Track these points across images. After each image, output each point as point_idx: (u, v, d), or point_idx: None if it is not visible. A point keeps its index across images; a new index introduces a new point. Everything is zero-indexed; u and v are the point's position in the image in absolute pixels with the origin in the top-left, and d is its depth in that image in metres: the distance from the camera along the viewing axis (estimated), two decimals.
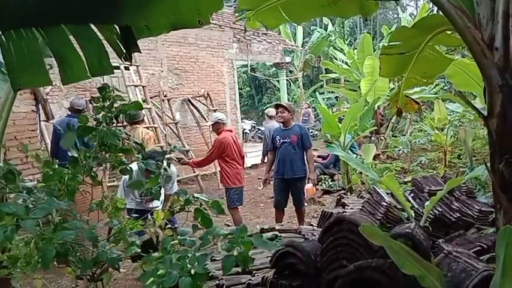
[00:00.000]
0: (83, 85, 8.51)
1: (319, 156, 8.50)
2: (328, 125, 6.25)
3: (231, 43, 11.41)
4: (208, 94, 9.88)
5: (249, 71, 12.80)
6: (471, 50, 1.93)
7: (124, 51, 2.13)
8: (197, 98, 10.06)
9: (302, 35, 18.05)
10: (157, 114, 8.87)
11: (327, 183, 7.68)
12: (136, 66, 8.24)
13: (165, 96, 8.95)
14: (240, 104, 26.45)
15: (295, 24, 26.76)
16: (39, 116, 5.50)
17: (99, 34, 2.01)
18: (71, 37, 2.07)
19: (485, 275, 1.99)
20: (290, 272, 3.05)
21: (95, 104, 1.88)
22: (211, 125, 5.73)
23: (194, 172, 8.93)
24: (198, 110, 9.94)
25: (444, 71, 3.20)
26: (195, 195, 1.75)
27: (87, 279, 1.60)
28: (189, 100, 10.01)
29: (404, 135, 9.76)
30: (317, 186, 7.79)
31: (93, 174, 1.76)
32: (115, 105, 1.90)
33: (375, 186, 4.21)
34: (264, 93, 26.17)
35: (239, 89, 26.44)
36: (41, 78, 1.90)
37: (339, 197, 5.74)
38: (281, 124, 5.55)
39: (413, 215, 3.53)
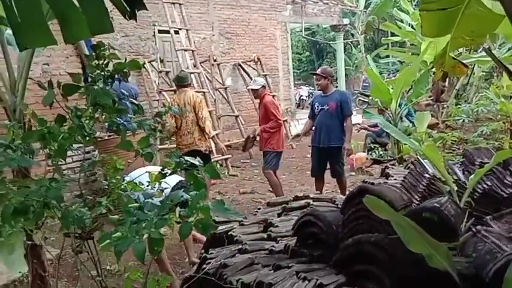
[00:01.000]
0: (136, 49, 8.70)
1: (370, 126, 8.12)
2: (378, 90, 5.87)
3: (285, 5, 11.03)
4: (259, 59, 9.71)
5: (303, 34, 12.33)
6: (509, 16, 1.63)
7: (128, 8, 2.04)
8: (248, 63, 9.93)
9: None
10: (208, 79, 8.90)
11: (377, 152, 7.34)
12: (186, 30, 8.23)
13: (215, 60, 8.91)
14: (300, 69, 26.11)
15: None
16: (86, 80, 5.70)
17: None
18: None
19: (511, 259, 1.75)
20: (313, 241, 2.94)
21: (88, 63, 1.83)
22: (255, 89, 5.57)
23: (243, 138, 8.91)
24: (249, 75, 9.82)
25: (495, 30, 2.80)
26: (187, 158, 1.67)
27: (75, 237, 1.61)
28: (239, 65, 9.92)
29: (470, 103, 9.01)
30: (367, 156, 7.49)
31: (86, 133, 1.73)
32: (110, 64, 1.84)
33: (418, 157, 3.91)
34: (325, 58, 25.39)
35: (299, 53, 26.00)
36: (45, 38, 1.87)
37: (384, 167, 5.47)
38: (321, 91, 5.33)
39: (455, 188, 3.23)
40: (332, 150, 5.22)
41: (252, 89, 5.66)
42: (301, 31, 23.12)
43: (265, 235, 3.35)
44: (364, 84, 16.84)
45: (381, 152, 7.25)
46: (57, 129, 1.72)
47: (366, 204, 1.78)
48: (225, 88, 8.90)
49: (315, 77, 5.40)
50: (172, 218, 1.26)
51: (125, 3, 2.11)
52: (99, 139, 5.09)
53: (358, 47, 19.33)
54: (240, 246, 3.16)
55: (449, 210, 2.53)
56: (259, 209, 4.22)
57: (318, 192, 5.17)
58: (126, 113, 1.83)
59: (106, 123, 1.93)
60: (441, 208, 2.47)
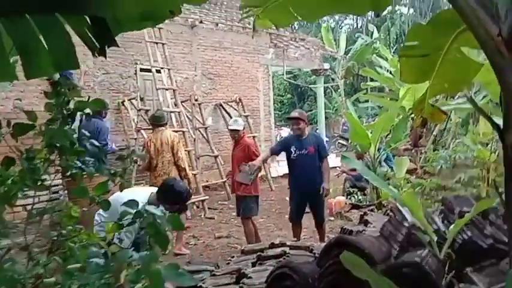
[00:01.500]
0: (116, 87, 8.63)
1: (350, 170, 8.08)
2: (357, 135, 5.87)
3: (267, 48, 11.23)
4: (240, 100, 9.73)
5: (284, 77, 12.51)
6: (483, 47, 1.59)
7: (97, 45, 1.93)
8: (229, 103, 9.93)
9: (345, 41, 17.56)
10: (188, 118, 8.82)
11: (356, 196, 7.26)
12: (168, 69, 8.22)
13: (196, 100, 8.88)
14: (281, 111, 26.40)
15: (339, 30, 26.26)
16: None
17: (66, 26, 1.82)
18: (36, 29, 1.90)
19: None
20: None
21: (47, 101, 1.71)
22: (237, 130, 5.46)
23: (222, 179, 8.78)
24: (230, 115, 9.79)
25: (475, 77, 2.80)
26: (147, 207, 1.52)
27: None
28: (221, 105, 9.91)
29: (447, 149, 9.10)
30: (346, 200, 7.40)
31: (37, 177, 1.58)
32: (72, 102, 1.71)
33: (397, 204, 3.81)
34: (306, 101, 25.78)
35: (280, 95, 26.39)
36: (6, 73, 1.75)
37: (362, 213, 5.36)
38: (296, 135, 5.19)
39: (435, 239, 3.13)
40: (316, 195, 5.09)
41: (233, 129, 5.53)
42: (283, 74, 23.66)
43: (238, 287, 3.16)
44: (344, 127, 17.04)
45: (360, 197, 7.18)
46: (4, 172, 1.55)
47: (342, 262, 1.64)
48: (205, 128, 8.82)
49: (294, 121, 5.22)
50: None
51: (94, 40, 2.01)
52: (68, 179, 4.86)
53: (338, 91, 19.70)
54: None
55: (430, 264, 2.42)
56: (232, 257, 4.04)
57: (295, 239, 5.00)
58: (84, 155, 1.69)
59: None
60: (421, 263, 2.35)
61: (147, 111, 7.98)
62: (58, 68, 1.88)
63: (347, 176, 7.96)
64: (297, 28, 30.05)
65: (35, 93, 4.64)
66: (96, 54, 2.03)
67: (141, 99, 8.30)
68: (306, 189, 5.06)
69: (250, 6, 3.05)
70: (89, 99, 1.72)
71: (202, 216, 7.52)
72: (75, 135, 1.67)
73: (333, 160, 11.31)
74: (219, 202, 8.52)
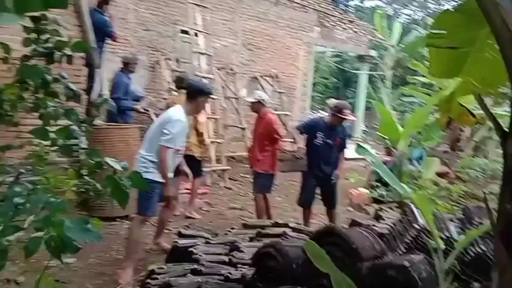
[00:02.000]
0: (155, 45, 8.60)
1: None
2: (387, 128, 5.60)
3: (313, 26, 10.85)
4: (277, 75, 9.52)
5: (328, 59, 12.10)
6: (497, 39, 1.38)
7: None
8: (265, 78, 9.74)
9: (400, 31, 16.75)
10: (221, 86, 8.75)
11: (378, 191, 7.00)
12: (207, 34, 8.11)
13: (231, 70, 8.75)
14: (324, 94, 25.85)
15: (396, 19, 25.12)
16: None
17: None
18: None
19: None
20: (273, 276, 2.68)
21: (25, 36, 1.65)
22: (252, 102, 5.34)
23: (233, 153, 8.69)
24: (264, 90, 9.63)
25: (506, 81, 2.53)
26: (108, 159, 1.46)
27: None
28: (257, 78, 9.74)
29: (487, 158, 8.59)
30: (368, 193, 7.17)
31: (2, 111, 1.53)
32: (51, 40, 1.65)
33: (412, 205, 3.61)
34: (351, 87, 25.08)
35: (325, 78, 25.73)
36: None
37: (378, 208, 5.17)
38: (328, 122, 5.06)
39: (442, 246, 2.92)
40: (329, 181, 5.08)
41: (251, 102, 5.37)
42: (333, 57, 22.97)
43: (226, 259, 3.11)
44: None
45: (383, 192, 6.92)
46: None
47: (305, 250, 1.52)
48: (237, 98, 8.71)
49: (342, 111, 4.95)
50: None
51: None
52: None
53: (385, 81, 19.00)
54: (195, 266, 2.92)
55: (420, 271, 2.24)
56: (232, 228, 3.99)
57: (301, 223, 4.91)
58: (57, 97, 1.63)
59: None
60: (409, 268, 2.19)
61: (181, 73, 7.94)
62: (46, 4, 1.81)
63: (373, 169, 7.68)
64: (353, 14, 29.09)
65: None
66: None
67: (177, 60, 8.26)
68: (321, 177, 4.97)
69: None
70: (70, 39, 1.65)
71: (222, 185, 7.52)
72: (49, 76, 1.60)
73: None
74: (241, 174, 8.46)
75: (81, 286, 3.19)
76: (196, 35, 7.95)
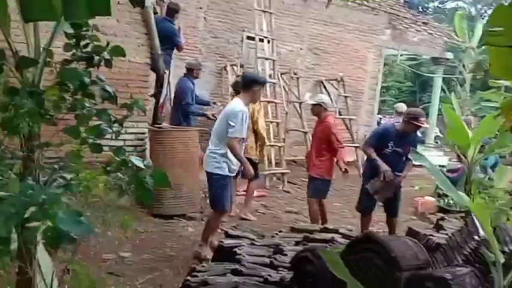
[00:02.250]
0: (222, 51, 8.89)
1: (448, 171, 7.34)
2: (455, 133, 5.24)
3: (384, 29, 10.50)
4: (342, 78, 9.34)
5: (398, 61, 11.66)
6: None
7: None
8: (331, 81, 9.61)
9: (482, 32, 15.58)
10: (285, 90, 8.79)
11: (445, 199, 6.58)
12: (272, 39, 8.20)
13: (295, 74, 8.76)
14: (397, 98, 24.85)
15: (480, 19, 23.43)
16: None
17: None
18: None
19: None
20: (311, 281, 2.64)
21: (67, 41, 1.79)
22: (312, 105, 5.29)
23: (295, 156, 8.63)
24: (329, 94, 9.50)
25: None
26: (134, 158, 1.54)
27: None
28: (322, 82, 9.64)
29: None
30: (434, 202, 6.78)
31: (43, 111, 1.67)
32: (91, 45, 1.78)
33: (473, 215, 3.37)
34: (427, 91, 23.84)
35: (399, 82, 24.77)
36: (47, 12, 1.87)
37: (439, 217, 4.86)
38: (400, 130, 4.79)
39: (502, 260, 2.69)
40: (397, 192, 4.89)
41: (312, 104, 5.32)
42: (407, 60, 21.99)
43: (268, 261, 3.12)
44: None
45: (451, 201, 6.49)
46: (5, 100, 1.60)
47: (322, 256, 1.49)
48: (300, 103, 8.68)
49: (418, 119, 4.69)
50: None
51: None
52: (152, 129, 5.23)
53: (464, 85, 17.80)
54: (236, 266, 2.97)
55: (464, 285, 2.09)
56: (280, 231, 3.98)
57: (354, 229, 4.75)
58: (93, 99, 1.76)
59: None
60: (452, 281, 2.04)
61: (238, 77, 8.11)
62: (91, 12, 1.96)
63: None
64: (432, 13, 27.69)
65: (133, 45, 4.98)
66: (134, 5, 2.07)
67: (241, 66, 8.44)
68: None
69: None
70: (107, 45, 1.77)
71: (280, 188, 7.54)
72: (87, 79, 1.73)
73: (433, 159, 10.37)
74: (301, 178, 8.41)
75: (133, 279, 3.37)
76: (261, 40, 8.08)
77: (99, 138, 1.73)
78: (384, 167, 4.60)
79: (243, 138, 4.12)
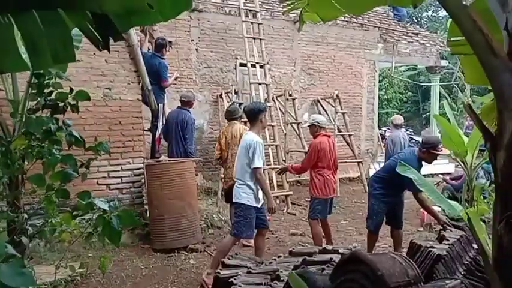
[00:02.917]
0: (216, 80, 9.02)
1: (452, 179, 7.26)
2: (450, 140, 5.21)
3: (376, 43, 10.60)
4: (337, 96, 9.39)
5: (393, 73, 11.69)
6: (471, 43, 1.29)
7: (100, 39, 2.04)
8: (327, 100, 9.66)
9: None
10: (281, 112, 8.84)
11: None
12: (263, 64, 8.32)
13: (290, 95, 8.83)
14: (401, 109, 24.80)
15: None
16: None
17: (67, 20, 1.95)
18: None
19: None
20: None
21: (31, 91, 1.84)
22: (308, 126, 5.36)
23: (299, 177, 8.59)
24: (327, 112, 9.54)
25: None
26: (98, 200, 1.55)
27: None
28: (318, 101, 9.70)
29: None
30: (440, 211, 6.66)
31: (10, 161, 1.71)
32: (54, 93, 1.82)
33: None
34: (429, 100, 23.81)
35: (400, 93, 24.76)
36: (18, 63, 1.94)
37: (441, 228, 4.78)
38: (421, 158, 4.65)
39: None
40: (399, 204, 4.87)
41: (308, 126, 5.41)
42: (407, 71, 22.07)
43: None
44: (467, 131, 15.31)
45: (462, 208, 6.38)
46: None
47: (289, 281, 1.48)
48: (298, 123, 8.72)
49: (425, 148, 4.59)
50: None
51: (97, 34, 2.11)
52: (147, 163, 5.27)
53: (465, 91, 17.78)
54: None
55: None
56: (279, 256, 3.94)
57: (362, 247, 4.67)
58: (60, 145, 1.80)
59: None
60: None
61: (240, 104, 8.19)
62: (56, 60, 2.02)
63: (446, 185, 7.17)
64: (427, 25, 27.93)
65: (124, 83, 5.08)
66: (100, 48, 2.14)
67: (236, 92, 8.54)
68: (392, 205, 4.74)
69: None
70: (71, 91, 1.82)
71: (285, 211, 7.50)
72: (53, 126, 1.77)
73: (433, 167, 10.26)
74: (306, 199, 8.36)
75: None
76: (253, 66, 8.19)
77: (64, 183, 1.75)
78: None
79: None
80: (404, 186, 4.60)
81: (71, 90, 1.86)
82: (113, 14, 2.09)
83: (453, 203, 3.27)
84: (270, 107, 8.07)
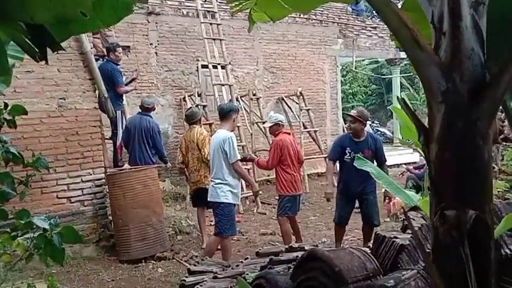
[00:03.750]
0: (179, 84, 8.91)
1: (415, 168, 7.44)
2: (408, 130, 5.31)
3: (336, 39, 10.74)
4: (301, 93, 9.46)
5: (353, 68, 11.90)
6: (398, 39, 1.30)
7: (37, 50, 1.95)
8: (291, 97, 9.72)
9: None
10: (247, 112, 8.83)
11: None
12: (225, 65, 8.28)
13: (254, 95, 8.83)
14: (367, 102, 25.24)
15: None
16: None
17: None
18: None
19: None
20: None
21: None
22: (269, 127, 5.38)
23: (268, 176, 8.61)
24: (291, 110, 9.60)
25: None
26: (37, 219, 1.48)
27: None
28: (282, 99, 9.75)
29: None
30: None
31: None
32: None
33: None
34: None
35: (365, 86, 25.21)
36: None
37: (403, 218, 4.88)
38: (351, 135, 4.85)
39: None
40: (368, 195, 4.81)
41: (268, 127, 5.44)
42: (370, 64, 22.49)
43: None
44: None
45: (421, 196, 6.54)
46: None
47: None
48: (263, 122, 8.72)
49: (348, 118, 4.99)
50: None
51: (33, 45, 2.03)
52: (108, 173, 5.15)
53: None
54: None
55: None
56: (246, 258, 3.92)
57: (331, 242, 4.73)
58: None
59: None
60: (394, 287, 2.03)
61: (204, 106, 8.13)
62: None
63: (409, 175, 7.34)
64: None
65: (79, 93, 4.94)
66: (38, 59, 2.06)
67: (199, 94, 8.48)
68: (355, 195, 4.77)
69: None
70: (6, 106, 1.74)
71: (255, 211, 7.49)
72: None
73: (399, 157, 10.55)
74: (276, 197, 8.38)
75: None
76: (215, 67, 8.13)
77: (1, 202, 1.67)
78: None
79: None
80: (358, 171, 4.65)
81: (6, 105, 1.78)
82: (48, 24, 2.02)
83: (410, 193, 3.34)
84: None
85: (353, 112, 5.06)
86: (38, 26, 1.96)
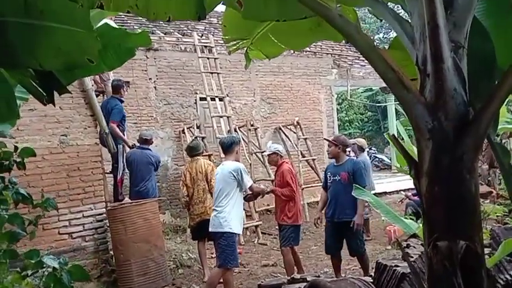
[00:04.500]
0: (177, 116, 9.05)
1: (414, 195, 7.47)
2: (402, 158, 5.38)
3: (330, 69, 11.00)
4: (298, 123, 9.61)
5: (348, 97, 12.11)
6: (385, 81, 1.39)
7: (44, 93, 2.06)
8: (288, 127, 9.86)
9: None
10: (245, 142, 8.92)
11: (416, 224, 6.64)
12: (223, 97, 8.45)
13: (252, 125, 8.96)
14: (364, 129, 25.44)
15: None
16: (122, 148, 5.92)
17: (9, 78, 1.97)
18: None
19: None
20: None
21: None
22: (268, 155, 5.46)
23: (268, 205, 8.63)
24: (289, 139, 9.72)
25: None
26: (47, 258, 1.53)
27: None
28: (280, 129, 9.88)
29: None
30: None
31: None
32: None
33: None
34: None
35: (361, 113, 25.51)
36: None
37: (405, 245, 4.89)
38: (333, 160, 5.01)
39: None
40: (347, 225, 4.74)
41: (268, 155, 5.54)
42: (365, 92, 22.81)
43: None
44: None
45: (420, 225, 6.56)
46: None
47: None
48: (262, 152, 8.81)
49: (327, 143, 5.15)
50: None
51: (41, 89, 2.13)
52: (109, 207, 5.19)
53: None
54: None
55: None
56: None
57: (332, 273, 4.73)
58: (6, 204, 1.77)
59: None
60: None
61: (203, 138, 8.24)
62: (0, 120, 2.02)
63: (409, 201, 7.37)
64: (379, 44, 29.27)
65: (80, 129, 5.03)
66: (45, 102, 2.16)
67: (198, 126, 8.60)
68: (336, 219, 4.79)
69: (236, 39, 3.03)
70: (16, 149, 1.82)
71: (256, 242, 7.46)
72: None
73: (398, 183, 10.61)
74: (276, 227, 8.37)
75: None
76: (213, 100, 8.30)
77: (12, 242, 1.72)
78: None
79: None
80: (338, 194, 4.78)
81: (16, 148, 1.85)
82: (55, 69, 2.13)
83: (408, 221, 3.39)
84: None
85: (331, 138, 5.30)
86: (47, 72, 2.08)
